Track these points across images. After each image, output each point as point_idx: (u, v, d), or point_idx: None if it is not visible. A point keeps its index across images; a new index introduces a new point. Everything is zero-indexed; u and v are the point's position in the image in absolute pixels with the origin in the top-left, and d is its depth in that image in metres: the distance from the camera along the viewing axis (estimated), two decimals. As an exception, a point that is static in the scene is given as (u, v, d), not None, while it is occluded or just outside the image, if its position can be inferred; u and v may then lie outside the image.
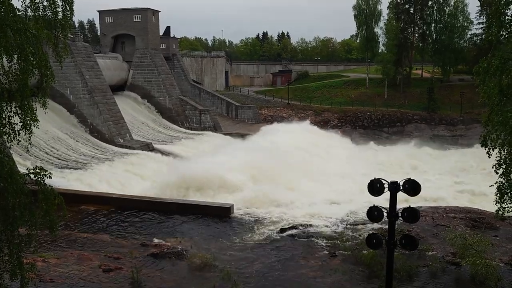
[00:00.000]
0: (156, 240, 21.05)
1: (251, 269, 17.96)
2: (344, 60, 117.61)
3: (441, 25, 72.32)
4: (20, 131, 10.77)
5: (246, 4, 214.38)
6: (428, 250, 18.87)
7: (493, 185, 13.35)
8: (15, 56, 10.23)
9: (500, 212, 13.23)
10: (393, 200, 10.42)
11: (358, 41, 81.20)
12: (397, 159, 45.94)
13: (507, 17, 12.22)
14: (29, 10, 10.52)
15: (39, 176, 10.78)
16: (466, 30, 73.37)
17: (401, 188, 10.25)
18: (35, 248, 12.31)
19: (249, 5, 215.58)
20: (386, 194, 10.47)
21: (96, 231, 22.84)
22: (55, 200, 10.96)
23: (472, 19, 73.83)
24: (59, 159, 35.92)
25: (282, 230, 22.45)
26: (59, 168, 33.81)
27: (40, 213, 10.96)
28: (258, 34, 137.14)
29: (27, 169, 10.98)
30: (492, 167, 13.11)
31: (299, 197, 28.99)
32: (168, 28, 71.98)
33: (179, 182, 30.34)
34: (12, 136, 10.69)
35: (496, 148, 13.01)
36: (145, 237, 21.67)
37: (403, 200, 11.84)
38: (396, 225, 10.98)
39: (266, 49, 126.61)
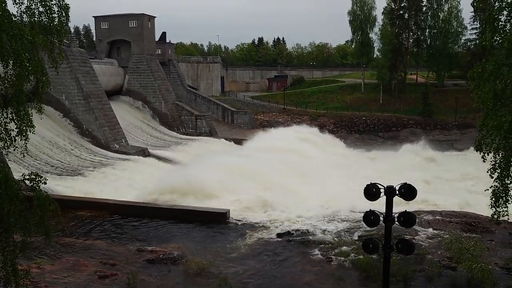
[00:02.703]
0: (152, 246, 20.95)
1: (248, 275, 17.91)
2: (339, 65, 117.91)
3: (435, 30, 72.83)
4: (16, 137, 10.72)
5: (241, 10, 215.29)
6: (424, 254, 18.90)
7: (488, 189, 13.43)
8: (11, 61, 10.21)
9: (495, 216, 13.30)
10: (389, 204, 10.45)
11: (353, 46, 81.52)
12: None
13: (500, 23, 12.35)
14: (24, 16, 10.51)
15: (34, 182, 10.74)
16: (460, 36, 73.88)
17: (397, 192, 10.28)
18: (30, 255, 12.23)
19: (244, 11, 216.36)
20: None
21: (92, 237, 22.72)
22: (50, 207, 10.91)
23: (466, 24, 74.44)
24: (54, 165, 35.75)
25: (279, 235, 22.42)
26: (54, 174, 33.63)
27: (35, 220, 10.89)
28: (254, 39, 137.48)
29: (22, 175, 10.93)
30: (487, 171, 13.19)
31: (296, 202, 28.95)
32: (164, 34, 72.07)
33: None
34: (8, 142, 10.64)
35: (491, 152, 13.10)
36: (140, 243, 21.57)
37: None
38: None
39: (262, 55, 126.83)
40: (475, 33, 72.35)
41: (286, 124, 62.15)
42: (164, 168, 39.80)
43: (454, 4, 71.87)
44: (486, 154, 13.27)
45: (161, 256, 19.41)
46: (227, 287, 16.32)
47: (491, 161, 13.06)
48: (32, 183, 10.74)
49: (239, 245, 21.43)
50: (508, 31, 12.26)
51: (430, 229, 22.41)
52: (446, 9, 72.36)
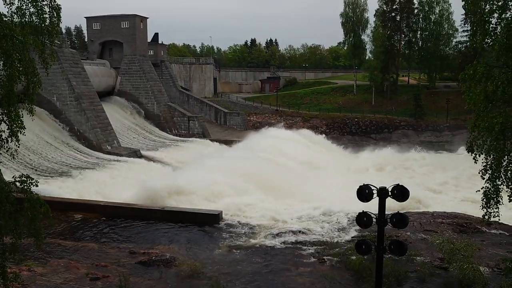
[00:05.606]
0: (144, 248, 20.83)
1: (241, 277, 17.87)
2: (331, 67, 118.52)
3: (427, 32, 73.39)
4: (8, 139, 10.59)
5: (234, 11, 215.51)
6: (416, 255, 18.99)
7: (479, 191, 13.50)
8: (1, 62, 10.10)
9: (486, 217, 13.36)
10: (382, 206, 10.47)
11: (345, 48, 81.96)
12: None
13: (491, 25, 12.43)
14: (15, 16, 10.39)
15: (25, 184, 10.62)
16: (451, 38, 74.54)
17: (390, 194, 10.31)
18: (19, 257, 12.09)
19: (237, 12, 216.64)
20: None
21: (83, 239, 22.55)
22: (41, 209, 10.78)
23: (457, 27, 75.17)
24: (45, 166, 35.44)
25: (272, 236, 22.41)
26: (45, 175, 33.35)
27: (26, 222, 10.77)
28: (247, 41, 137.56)
29: (13, 177, 10.81)
30: (479, 173, 13.26)
31: (289, 204, 28.94)
32: (156, 35, 71.86)
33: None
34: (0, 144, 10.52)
35: (482, 153, 13.17)
36: (133, 245, 21.44)
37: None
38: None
39: (255, 56, 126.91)
40: (466, 35, 73.05)
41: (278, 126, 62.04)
42: (156, 169, 39.62)
43: (445, 6, 72.53)
44: (477, 156, 13.35)
45: (153, 258, 19.31)
46: (219, 289, 16.26)
47: (482, 162, 13.13)
48: (23, 185, 10.61)
49: (232, 246, 21.37)
50: (498, 33, 12.34)
51: (422, 230, 22.53)
52: (437, 11, 72.95)
